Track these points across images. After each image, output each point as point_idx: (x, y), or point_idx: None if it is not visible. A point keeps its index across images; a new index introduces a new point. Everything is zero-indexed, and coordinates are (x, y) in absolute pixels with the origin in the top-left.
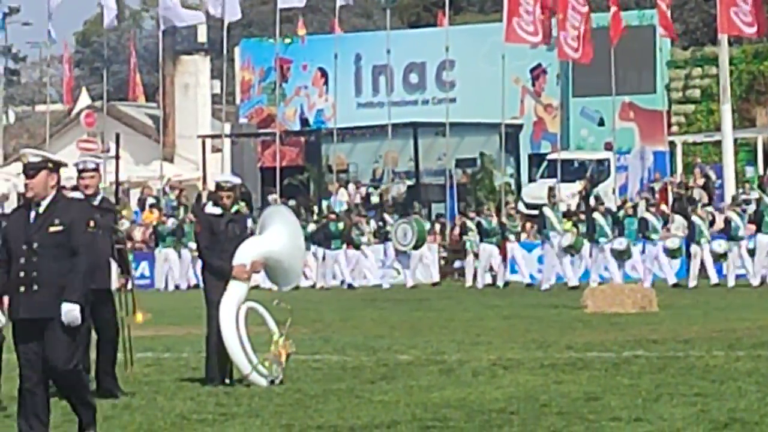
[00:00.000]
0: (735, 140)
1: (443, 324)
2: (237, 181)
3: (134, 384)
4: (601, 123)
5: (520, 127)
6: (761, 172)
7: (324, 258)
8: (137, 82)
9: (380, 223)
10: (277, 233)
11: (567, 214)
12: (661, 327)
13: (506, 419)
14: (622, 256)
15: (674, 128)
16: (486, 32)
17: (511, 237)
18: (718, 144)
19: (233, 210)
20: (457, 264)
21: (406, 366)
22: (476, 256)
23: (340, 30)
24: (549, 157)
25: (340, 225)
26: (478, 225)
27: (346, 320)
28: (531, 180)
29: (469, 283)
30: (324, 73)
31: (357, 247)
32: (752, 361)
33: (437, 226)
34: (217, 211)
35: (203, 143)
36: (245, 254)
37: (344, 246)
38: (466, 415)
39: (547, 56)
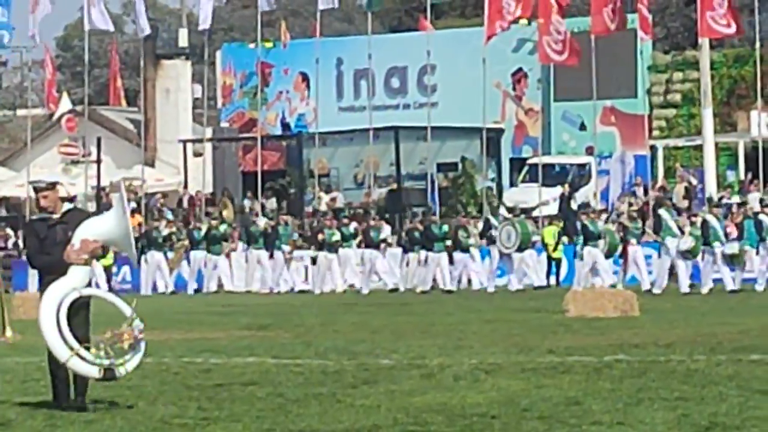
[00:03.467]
0: (716, 144)
1: (425, 328)
2: (54, 179)
3: (116, 388)
4: (583, 127)
5: (501, 131)
6: (742, 176)
7: (426, 260)
8: (118, 87)
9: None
10: (105, 214)
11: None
12: (643, 331)
13: (487, 423)
14: (735, 260)
15: (655, 132)
16: (467, 36)
17: (633, 240)
18: (699, 148)
19: (63, 210)
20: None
21: (388, 370)
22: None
23: (321, 34)
24: (530, 161)
25: (444, 227)
26: (584, 228)
27: (328, 324)
28: (512, 184)
29: (576, 286)
30: (305, 78)
31: (464, 249)
32: (733, 366)
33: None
34: (42, 215)
35: (184, 147)
36: (76, 238)
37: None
38: (448, 419)
39: (528, 60)
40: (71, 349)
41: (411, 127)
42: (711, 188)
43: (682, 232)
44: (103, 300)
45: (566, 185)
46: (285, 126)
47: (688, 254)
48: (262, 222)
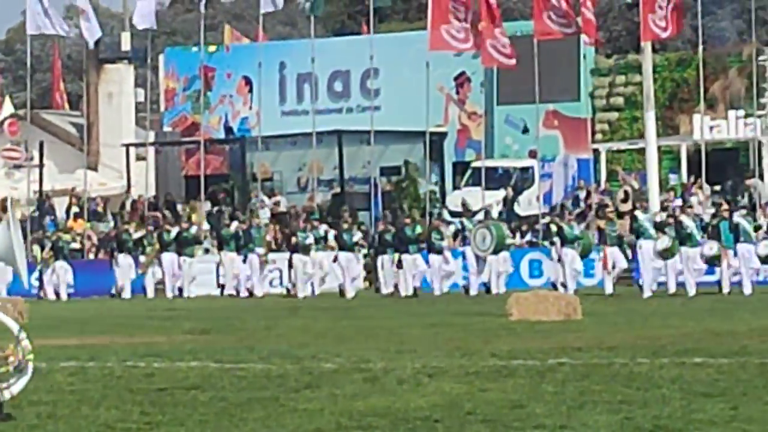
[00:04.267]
0: (659, 148)
1: (368, 332)
2: None
3: (58, 393)
4: (526, 131)
5: (444, 135)
6: (685, 179)
7: (400, 263)
8: (61, 91)
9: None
10: None
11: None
12: (586, 334)
13: (431, 427)
14: (713, 261)
15: (598, 136)
16: (410, 40)
17: (610, 242)
18: (641, 152)
19: None
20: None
21: (331, 374)
22: (559, 261)
23: (265, 38)
24: (473, 164)
25: (417, 229)
26: (559, 230)
27: (271, 329)
28: (455, 188)
29: (560, 288)
30: (248, 81)
31: (438, 251)
32: (676, 368)
33: (360, 234)
34: None
35: (127, 151)
36: None
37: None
38: (391, 423)
39: (471, 64)
40: None
41: (354, 131)
42: (653, 191)
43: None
44: None
45: (509, 189)
46: (228, 130)
47: (665, 254)
48: (234, 225)
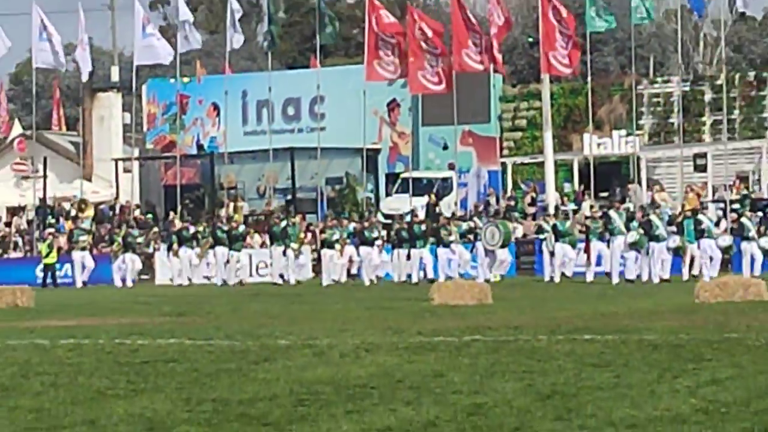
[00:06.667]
0: (555, 162)
1: (316, 314)
2: None
3: (59, 365)
4: (446, 147)
5: (378, 151)
6: (576, 188)
7: (408, 256)
8: (61, 115)
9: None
10: None
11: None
12: (495, 316)
13: (368, 393)
14: (677, 252)
15: (505, 151)
16: (351, 73)
17: (593, 237)
18: (541, 165)
19: None
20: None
21: (285, 350)
22: (551, 254)
23: (231, 71)
24: (402, 175)
25: (423, 226)
26: (554, 227)
27: (235, 311)
28: (388, 194)
29: (547, 278)
30: (216, 107)
31: (447, 245)
32: (570, 344)
33: (309, 233)
34: None
35: (116, 165)
36: None
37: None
38: (335, 390)
39: (400, 92)
40: None
41: (304, 148)
42: (551, 197)
43: (628, 230)
44: None
45: (432, 195)
46: (199, 147)
47: (634, 246)
48: (283, 223)
